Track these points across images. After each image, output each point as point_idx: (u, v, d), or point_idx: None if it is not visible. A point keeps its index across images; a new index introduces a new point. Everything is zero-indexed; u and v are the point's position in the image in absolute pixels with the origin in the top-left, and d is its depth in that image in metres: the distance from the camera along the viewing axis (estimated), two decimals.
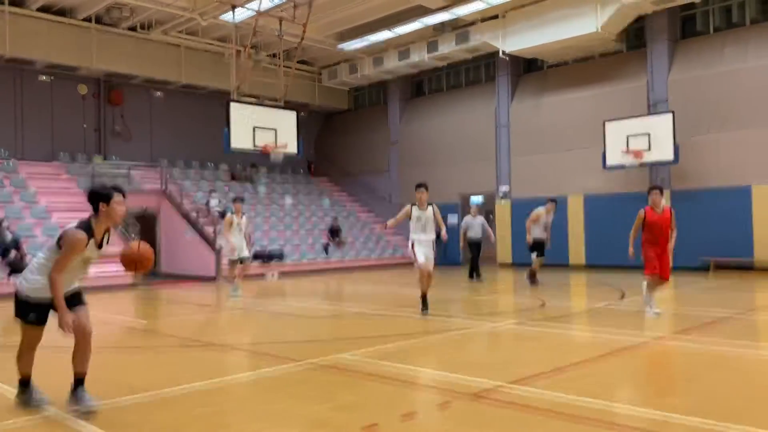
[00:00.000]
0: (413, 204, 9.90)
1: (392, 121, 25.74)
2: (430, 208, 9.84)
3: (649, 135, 17.62)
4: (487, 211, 24.64)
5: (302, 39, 19.20)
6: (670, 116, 17.42)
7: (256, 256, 19.39)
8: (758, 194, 16.46)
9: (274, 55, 20.83)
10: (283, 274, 18.94)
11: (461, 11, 19.48)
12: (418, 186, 9.92)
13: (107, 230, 4.72)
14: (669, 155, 17.37)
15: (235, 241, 12.69)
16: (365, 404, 4.77)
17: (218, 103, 21.17)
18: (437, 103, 24.51)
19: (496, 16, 19.89)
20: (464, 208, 24.14)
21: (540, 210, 14.11)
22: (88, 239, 4.49)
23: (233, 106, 17.45)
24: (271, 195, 24.13)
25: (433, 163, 23.78)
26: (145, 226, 19.57)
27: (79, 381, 4.66)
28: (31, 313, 4.54)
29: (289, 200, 24.04)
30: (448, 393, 4.97)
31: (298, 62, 21.36)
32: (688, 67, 18.07)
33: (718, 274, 16.45)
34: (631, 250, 9.09)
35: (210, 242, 18.66)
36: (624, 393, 5.23)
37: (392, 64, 23.12)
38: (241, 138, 17.40)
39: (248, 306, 11.80)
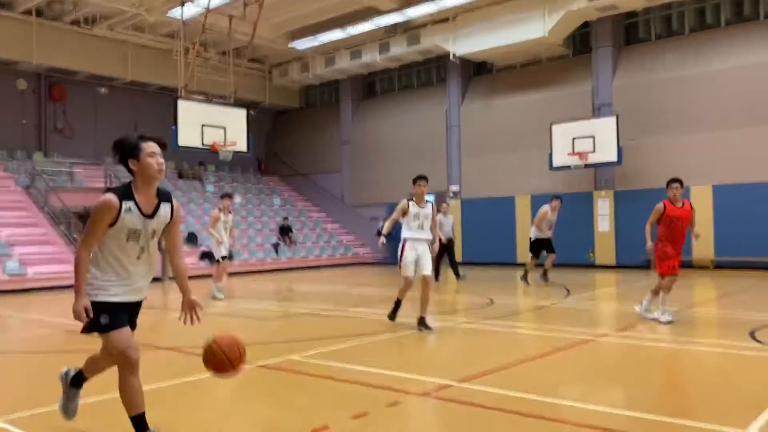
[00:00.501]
0: (410, 199, 8.28)
1: (344, 120, 25.72)
2: (429, 205, 8.29)
3: (593, 137, 18.14)
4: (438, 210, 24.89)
5: (253, 37, 19.00)
6: (614, 119, 17.97)
7: (203, 256, 19.09)
8: (696, 195, 17.14)
9: (224, 53, 20.54)
10: (231, 274, 18.66)
11: (413, 13, 19.63)
12: (419, 178, 8.28)
13: (159, 197, 3.77)
14: (613, 157, 17.91)
15: (220, 239, 12.41)
16: (316, 405, 4.77)
17: (166, 100, 20.75)
18: (389, 104, 24.62)
19: (446, 19, 20.13)
20: None
21: (545, 208, 13.73)
22: (120, 202, 3.56)
23: (181, 103, 17.13)
24: (220, 194, 23.75)
25: (385, 163, 23.88)
26: None
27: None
28: (101, 316, 3.66)
29: (238, 199, 23.72)
30: (399, 392, 5.01)
31: (248, 60, 21.12)
32: (631, 73, 18.67)
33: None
34: (650, 243, 8.33)
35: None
36: (569, 389, 5.38)
37: (344, 63, 23.11)
38: (189, 136, 17.10)
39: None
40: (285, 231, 22.05)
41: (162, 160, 3.71)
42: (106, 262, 3.65)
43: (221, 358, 3.71)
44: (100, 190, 19.80)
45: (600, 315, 10.17)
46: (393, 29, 21.26)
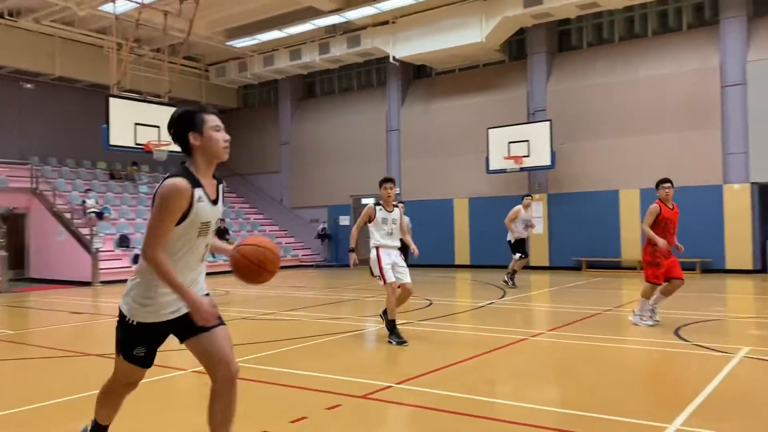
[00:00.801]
0: (377, 203, 7.63)
1: (283, 121, 25.48)
2: (396, 209, 7.71)
3: (528, 142, 18.61)
4: None
5: (189, 34, 18.58)
6: (547, 124, 18.49)
7: (137, 259, 18.54)
8: (624, 198, 17.87)
9: (159, 50, 19.99)
10: None
11: (352, 15, 19.64)
12: (386, 180, 7.62)
13: (218, 180, 3.24)
14: (546, 161, 18.43)
15: None
16: (254, 411, 4.70)
17: (97, 97, 20.03)
18: (329, 105, 24.54)
19: (386, 22, 20.24)
20: (355, 210, 24.32)
21: (517, 207, 13.53)
22: (192, 189, 2.95)
23: (113, 101, 16.57)
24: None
25: (325, 165, 23.80)
26: (12, 227, 18.14)
27: None
28: (137, 344, 3.10)
29: None
30: (339, 395, 4.99)
31: (184, 58, 20.63)
32: (564, 79, 19.26)
33: (589, 272, 17.65)
34: (661, 240, 7.90)
35: (85, 244, 17.59)
36: (504, 387, 5.50)
37: (283, 63, 22.89)
38: (121, 135, 16.56)
39: None
40: (222, 233, 21.62)
41: (228, 137, 3.17)
42: (173, 264, 2.98)
43: (248, 266, 3.14)
44: (25, 190, 18.95)
45: (534, 315, 10.44)
46: (333, 30, 21.21)
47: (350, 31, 21.09)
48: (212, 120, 3.11)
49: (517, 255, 13.50)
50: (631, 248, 17.68)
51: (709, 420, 4.25)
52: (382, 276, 7.37)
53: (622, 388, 5.28)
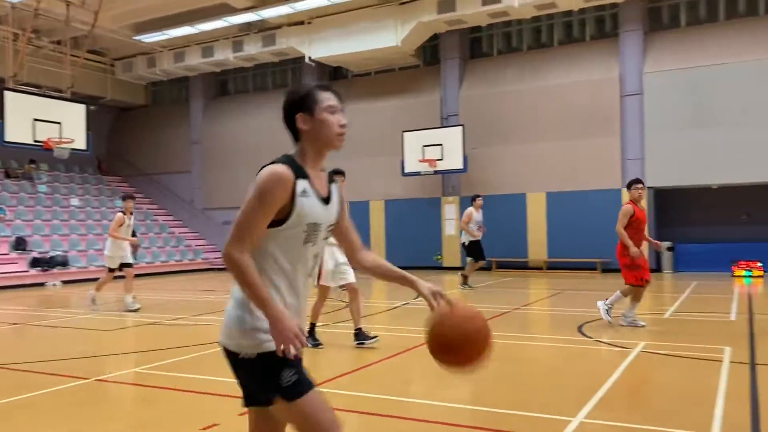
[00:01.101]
0: None
1: (194, 119, 24.76)
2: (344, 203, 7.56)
3: (442, 145, 18.99)
4: None
5: (93, 27, 17.72)
6: (460, 129, 18.94)
7: (35, 263, 17.49)
8: (531, 201, 18.59)
9: (60, 42, 18.93)
10: (66, 282, 17.27)
11: (267, 13, 19.35)
12: (336, 173, 7.15)
13: (330, 176, 2.63)
14: (459, 164, 18.87)
15: (122, 245, 11.25)
16: (163, 419, 4.53)
17: None
18: (243, 104, 24.08)
19: (302, 22, 20.08)
20: None
21: (470, 209, 13.52)
22: (296, 180, 2.36)
23: (9, 95, 15.58)
24: (54, 195, 21.87)
25: (239, 165, 23.32)
26: None
27: None
28: (283, 371, 2.28)
29: (75, 201, 22.00)
30: None
31: (88, 51, 19.65)
32: (476, 85, 19.79)
33: (499, 272, 18.21)
34: (633, 248, 7.86)
35: None
36: (419, 387, 5.58)
37: (195, 60, 22.24)
38: (18, 131, 15.58)
39: (26, 319, 10.57)
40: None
41: (345, 121, 2.49)
42: (270, 282, 2.33)
43: (451, 344, 2.43)
44: None
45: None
46: (247, 28, 20.83)
47: (265, 30, 20.79)
48: (327, 99, 2.45)
49: (470, 259, 13.53)
50: (537, 249, 18.44)
51: (611, 411, 4.49)
52: (319, 276, 6.97)
53: (530, 384, 5.48)
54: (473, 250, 13.45)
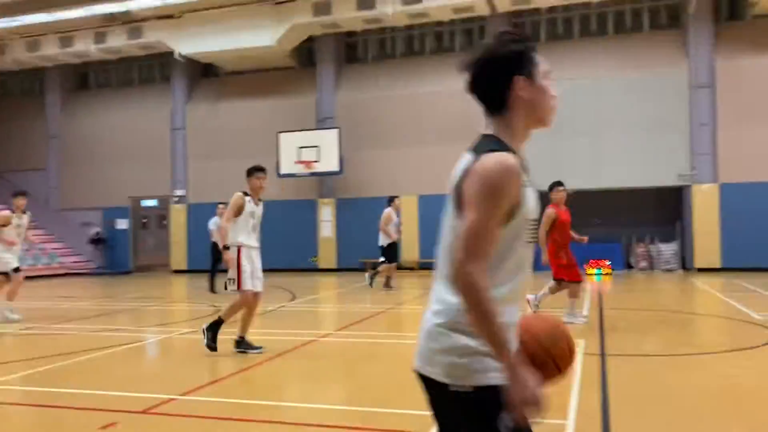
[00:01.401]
0: (245, 193, 6.93)
1: (51, 113, 23.01)
2: (262, 204, 7.15)
3: (318, 147, 19.02)
4: (161, 215, 23.67)
5: None
6: (336, 132, 19.07)
7: None
8: (404, 204, 19.03)
9: None
10: None
11: (133, 5, 18.44)
12: (257, 170, 7.05)
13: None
14: (335, 166, 19.00)
15: (10, 248, 9.83)
16: None
17: None
18: (107, 98, 22.74)
19: (171, 16, 19.31)
20: (135, 212, 22.80)
21: (388, 210, 13.26)
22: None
23: None
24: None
25: (102, 163, 21.98)
26: None
27: None
28: (504, 420, 1.74)
29: None
30: (116, 412, 4.66)
31: None
32: (351, 89, 20.02)
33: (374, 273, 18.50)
34: (546, 256, 7.96)
35: None
36: (290, 391, 5.57)
37: (52, 50, 20.67)
38: None
39: None
40: None
41: (556, 92, 1.98)
42: (507, 288, 1.88)
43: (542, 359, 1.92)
44: None
45: (323, 316, 10.70)
46: (111, 19, 19.67)
47: (131, 22, 19.75)
48: (543, 62, 1.95)
49: (382, 259, 13.38)
50: (408, 250, 18.97)
51: None
52: (239, 280, 6.67)
53: (399, 382, 5.65)
54: (390, 252, 13.34)
